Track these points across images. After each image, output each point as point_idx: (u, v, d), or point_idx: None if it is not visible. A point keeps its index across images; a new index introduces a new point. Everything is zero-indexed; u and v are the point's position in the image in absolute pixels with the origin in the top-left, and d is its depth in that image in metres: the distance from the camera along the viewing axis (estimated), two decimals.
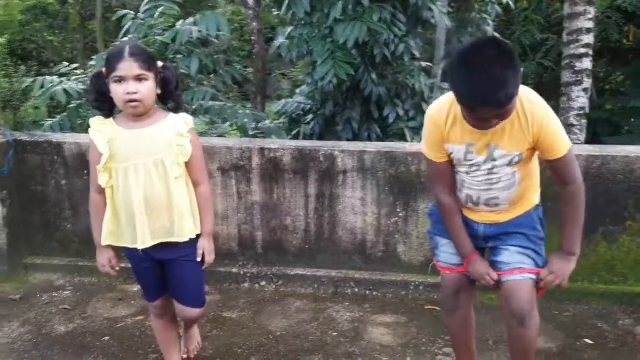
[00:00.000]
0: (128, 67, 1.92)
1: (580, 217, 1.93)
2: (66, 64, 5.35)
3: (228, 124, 5.37)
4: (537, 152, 1.92)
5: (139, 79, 1.94)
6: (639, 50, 10.51)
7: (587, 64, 6.06)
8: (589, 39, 6.05)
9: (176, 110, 2.11)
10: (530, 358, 2.06)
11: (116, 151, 2.02)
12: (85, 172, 3.40)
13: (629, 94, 9.60)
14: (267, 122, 6.13)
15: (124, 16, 4.79)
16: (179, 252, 2.13)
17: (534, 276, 1.94)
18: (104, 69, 2.00)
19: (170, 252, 2.12)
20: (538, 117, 1.80)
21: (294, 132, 6.16)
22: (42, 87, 4.66)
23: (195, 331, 2.55)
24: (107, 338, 2.83)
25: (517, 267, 1.94)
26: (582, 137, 6.30)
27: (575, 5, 5.97)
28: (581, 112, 6.16)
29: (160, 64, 2.07)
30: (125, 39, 4.68)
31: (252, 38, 10.41)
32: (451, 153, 1.93)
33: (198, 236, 2.17)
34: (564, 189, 1.93)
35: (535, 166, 1.99)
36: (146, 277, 2.25)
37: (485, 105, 1.65)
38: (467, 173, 1.94)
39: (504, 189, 1.92)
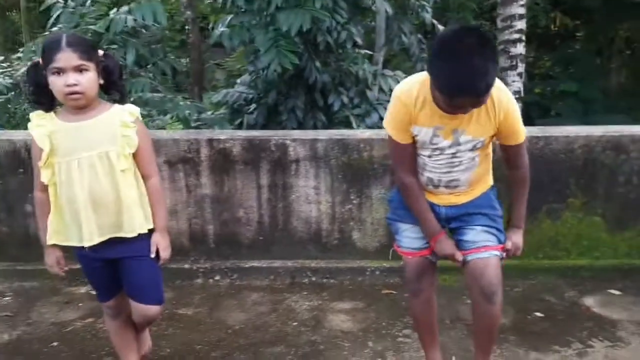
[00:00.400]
0: (67, 57, 1.82)
1: (526, 196, 2.08)
2: None
3: (169, 115, 5.22)
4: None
5: (79, 69, 1.84)
6: (565, 36, 11.03)
7: (520, 49, 6.28)
8: (521, 24, 6.26)
9: (121, 100, 2.02)
10: (495, 334, 2.14)
11: (57, 145, 1.91)
12: (21, 170, 3.21)
13: (557, 78, 10.06)
14: (208, 113, 6.01)
15: (52, 5, 4.54)
16: (130, 249, 2.04)
17: (499, 253, 2.00)
18: (40, 60, 1.88)
19: (121, 249, 2.03)
20: (505, 105, 1.84)
21: (236, 122, 6.04)
22: None
23: (146, 334, 2.45)
24: (56, 343, 2.69)
25: (483, 245, 1.98)
26: None
27: None
28: (517, 96, 6.38)
29: (100, 52, 1.97)
30: (55, 29, 4.44)
31: (186, 27, 10.13)
32: (416, 135, 1.92)
33: (150, 231, 2.08)
34: (514, 173, 2.04)
35: (490, 149, 2.05)
36: (97, 277, 2.15)
37: (465, 95, 1.66)
38: (430, 156, 1.96)
39: (464, 171, 1.96)
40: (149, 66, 5.19)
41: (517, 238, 2.09)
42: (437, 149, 1.93)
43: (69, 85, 1.83)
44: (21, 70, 4.67)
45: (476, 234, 2.00)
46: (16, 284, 3.28)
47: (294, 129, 5.41)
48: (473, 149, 1.91)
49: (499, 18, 6.41)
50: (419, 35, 6.49)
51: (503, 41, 6.31)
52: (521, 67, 6.36)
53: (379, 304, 3.02)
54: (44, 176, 1.94)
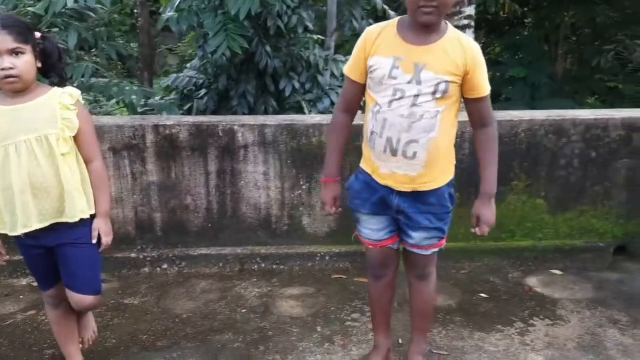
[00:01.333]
0: (1, 40, 1.76)
1: (496, 158, 2.00)
2: None
3: (114, 101, 5.07)
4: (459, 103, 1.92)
5: (14, 52, 1.79)
6: (514, 22, 11.25)
7: (469, 34, 6.34)
8: (470, 10, 6.31)
9: (60, 83, 1.97)
10: (430, 313, 2.24)
11: None
12: None
13: (506, 63, 10.26)
14: (157, 98, 5.86)
15: None
16: (69, 235, 1.98)
17: (438, 249, 2.07)
18: None
19: (60, 236, 1.97)
20: (475, 51, 1.85)
21: (185, 108, 5.92)
22: None
23: (90, 318, 2.38)
24: None
25: (425, 245, 2.04)
26: None
27: None
28: None
29: (37, 34, 1.90)
30: None
31: (135, 11, 9.83)
32: (374, 69, 1.88)
33: (92, 217, 2.02)
34: (482, 131, 1.98)
35: (454, 125, 1.95)
36: (36, 265, 2.08)
37: None
38: (390, 104, 1.86)
39: (424, 130, 1.86)
40: (93, 50, 5.01)
41: (486, 212, 2.01)
42: (397, 90, 1.84)
43: (3, 69, 1.78)
44: None
45: (421, 238, 2.02)
46: None
47: (244, 114, 5.35)
48: (435, 93, 1.83)
49: None
50: (370, 20, 6.48)
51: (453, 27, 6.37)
52: None
53: (328, 288, 3.04)
54: None
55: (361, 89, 2.00)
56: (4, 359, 2.44)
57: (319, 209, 3.27)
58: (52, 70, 1.95)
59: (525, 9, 10.88)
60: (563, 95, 9.72)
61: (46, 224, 1.93)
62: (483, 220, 2.02)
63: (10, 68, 1.78)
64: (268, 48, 5.05)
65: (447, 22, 1.91)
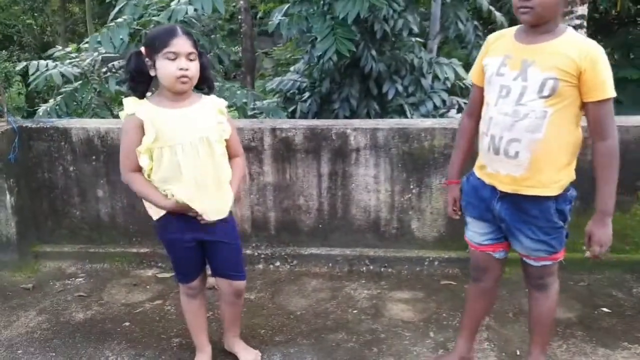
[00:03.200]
0: (182, 43, 1.95)
1: (616, 175, 1.85)
2: (59, 47, 5.21)
3: (226, 104, 5.30)
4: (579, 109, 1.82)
5: (189, 57, 1.97)
6: (625, 21, 10.56)
7: (582, 35, 6.05)
8: (582, 10, 6.02)
9: (208, 93, 2.15)
10: (549, 326, 2.15)
11: (161, 131, 2.01)
12: (94, 157, 3.35)
13: (617, 64, 9.67)
14: (264, 102, 6.07)
15: None
16: (223, 229, 2.18)
17: (551, 263, 1.99)
18: (143, 49, 2.00)
19: (218, 231, 2.17)
20: (592, 50, 1.75)
21: (289, 110, 6.10)
22: (36, 70, 4.54)
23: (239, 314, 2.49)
24: (127, 324, 2.81)
25: (534, 256, 1.99)
26: None
27: None
28: None
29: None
30: (119, 20, 4.56)
31: (239, 17, 10.23)
32: (487, 69, 1.94)
33: (230, 212, 2.23)
34: (601, 145, 1.83)
35: (570, 132, 1.84)
36: (188, 258, 2.24)
37: None
38: (496, 103, 1.87)
39: (528, 130, 1.81)
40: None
41: (600, 232, 1.86)
42: (503, 87, 1.86)
43: (181, 69, 1.95)
44: (87, 60, 4.84)
45: (527, 246, 1.97)
46: (88, 265, 3.44)
47: (346, 117, 5.42)
48: (541, 91, 1.78)
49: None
50: (475, 22, 6.35)
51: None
52: None
53: (438, 294, 3.02)
54: (143, 161, 2.03)
55: (482, 93, 2.02)
56: (137, 344, 2.64)
57: (429, 213, 3.26)
58: (204, 82, 2.11)
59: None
60: None
61: (222, 216, 2.13)
62: (594, 241, 1.88)
63: (187, 70, 1.96)
64: (373, 52, 5.08)
65: (568, 25, 1.88)
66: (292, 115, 5.98)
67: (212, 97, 2.14)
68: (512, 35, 1.92)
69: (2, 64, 12.68)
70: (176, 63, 1.94)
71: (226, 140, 2.14)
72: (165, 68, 1.95)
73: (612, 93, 1.77)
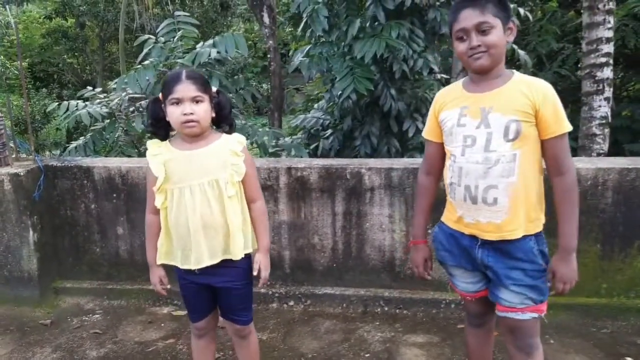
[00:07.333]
0: (185, 89, 1.99)
1: (576, 210, 1.84)
2: (90, 88, 5.42)
3: (248, 142, 5.39)
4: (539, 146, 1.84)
5: (195, 100, 2.01)
6: None
7: (607, 73, 6.00)
8: (609, 48, 5.99)
9: (229, 132, 2.16)
10: None
11: (172, 173, 2.05)
12: (114, 195, 3.43)
13: None
14: (287, 139, 6.16)
15: (145, 41, 4.87)
16: (230, 274, 2.14)
17: (537, 315, 1.91)
18: (160, 95, 2.07)
19: (222, 277, 2.13)
20: (542, 88, 1.80)
21: (312, 147, 6.17)
22: (67, 110, 4.73)
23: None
24: None
25: (520, 307, 1.90)
26: (605, 146, 6.21)
27: (595, 14, 5.92)
28: (603, 121, 6.08)
29: (214, 89, 2.13)
30: (147, 62, 4.74)
31: (269, 56, 10.48)
32: (445, 122, 1.93)
33: (246, 256, 2.17)
34: (559, 180, 1.84)
35: (540, 170, 1.87)
36: (194, 299, 2.25)
37: (464, 6, 1.78)
38: (463, 153, 1.87)
39: (502, 175, 1.81)
40: (230, 95, 5.41)
41: (565, 269, 1.84)
42: (467, 137, 1.85)
43: (185, 114, 1.99)
44: (115, 100, 5.02)
45: (513, 295, 1.90)
46: (106, 302, 3.49)
47: (367, 154, 5.45)
48: (507, 134, 1.79)
49: (584, 41, 6.16)
50: None
51: (589, 65, 6.06)
52: (608, 92, 6.06)
53: (454, 338, 2.95)
54: (158, 200, 2.08)
55: (440, 148, 2.03)
56: None
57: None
58: (224, 121, 2.15)
59: None
60: None
61: (216, 261, 2.09)
62: (558, 278, 1.86)
63: (191, 114, 1.99)
64: (393, 91, 5.14)
65: (514, 70, 1.89)
66: (314, 151, 6.05)
67: (233, 136, 2.13)
68: (460, 88, 1.94)
69: (41, 101, 13.22)
70: (180, 108, 1.99)
71: (242, 182, 2.11)
72: (171, 114, 2.01)
73: (568, 127, 1.81)
